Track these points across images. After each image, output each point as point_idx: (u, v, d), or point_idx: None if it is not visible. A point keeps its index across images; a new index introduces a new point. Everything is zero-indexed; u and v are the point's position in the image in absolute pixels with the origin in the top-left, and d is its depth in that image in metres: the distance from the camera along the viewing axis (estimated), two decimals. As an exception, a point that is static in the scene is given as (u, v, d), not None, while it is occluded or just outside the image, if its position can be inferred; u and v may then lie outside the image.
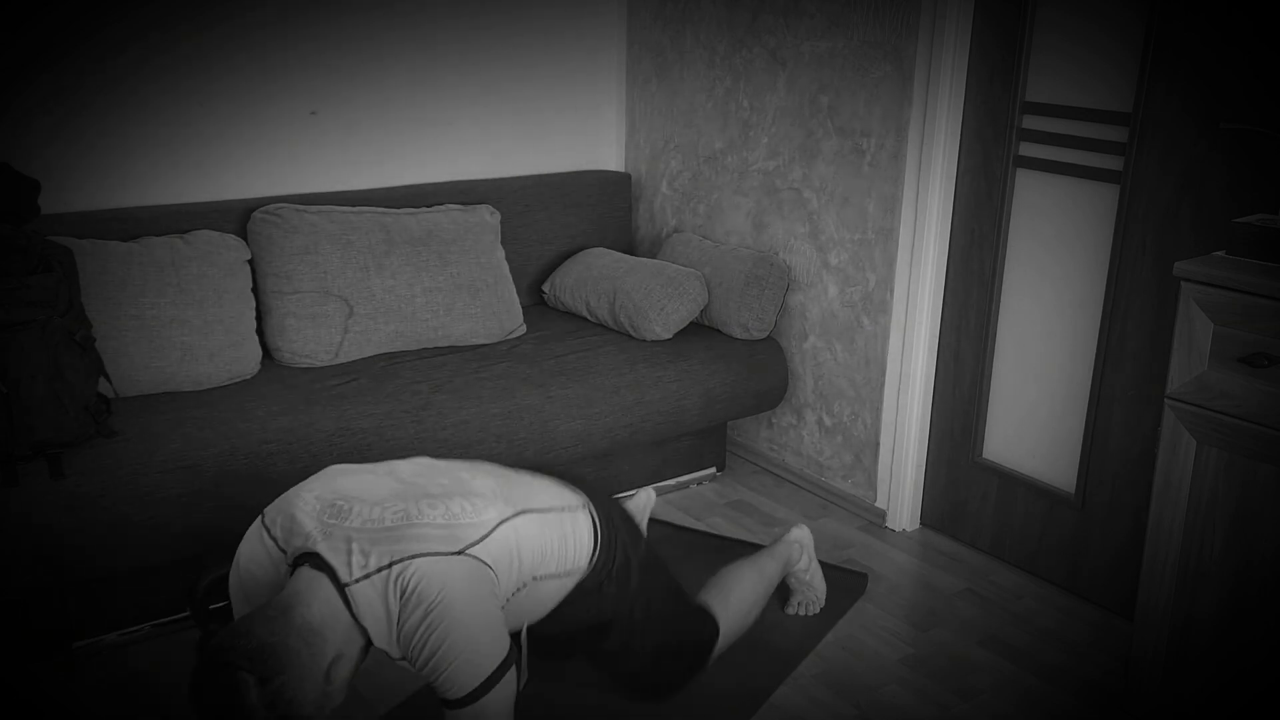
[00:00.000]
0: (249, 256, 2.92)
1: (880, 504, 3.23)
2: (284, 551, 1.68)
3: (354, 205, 3.13)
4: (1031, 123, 2.75)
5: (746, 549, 3.01)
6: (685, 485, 3.45)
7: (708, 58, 3.48)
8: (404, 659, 1.66)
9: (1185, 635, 2.18)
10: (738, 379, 3.24)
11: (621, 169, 3.88)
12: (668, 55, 3.62)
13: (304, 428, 2.58)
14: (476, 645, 1.61)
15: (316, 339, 2.94)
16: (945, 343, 3.04)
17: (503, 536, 1.73)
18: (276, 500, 1.74)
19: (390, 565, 1.60)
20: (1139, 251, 2.57)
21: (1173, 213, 2.50)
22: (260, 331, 2.95)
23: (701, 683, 2.42)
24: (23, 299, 2.26)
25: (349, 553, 1.61)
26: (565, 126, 3.71)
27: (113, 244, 2.73)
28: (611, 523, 2.00)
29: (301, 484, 1.75)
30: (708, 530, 3.17)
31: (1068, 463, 2.83)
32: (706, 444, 3.46)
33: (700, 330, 3.34)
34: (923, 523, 3.21)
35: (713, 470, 3.53)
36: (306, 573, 1.61)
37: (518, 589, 1.79)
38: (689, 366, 3.14)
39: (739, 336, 3.30)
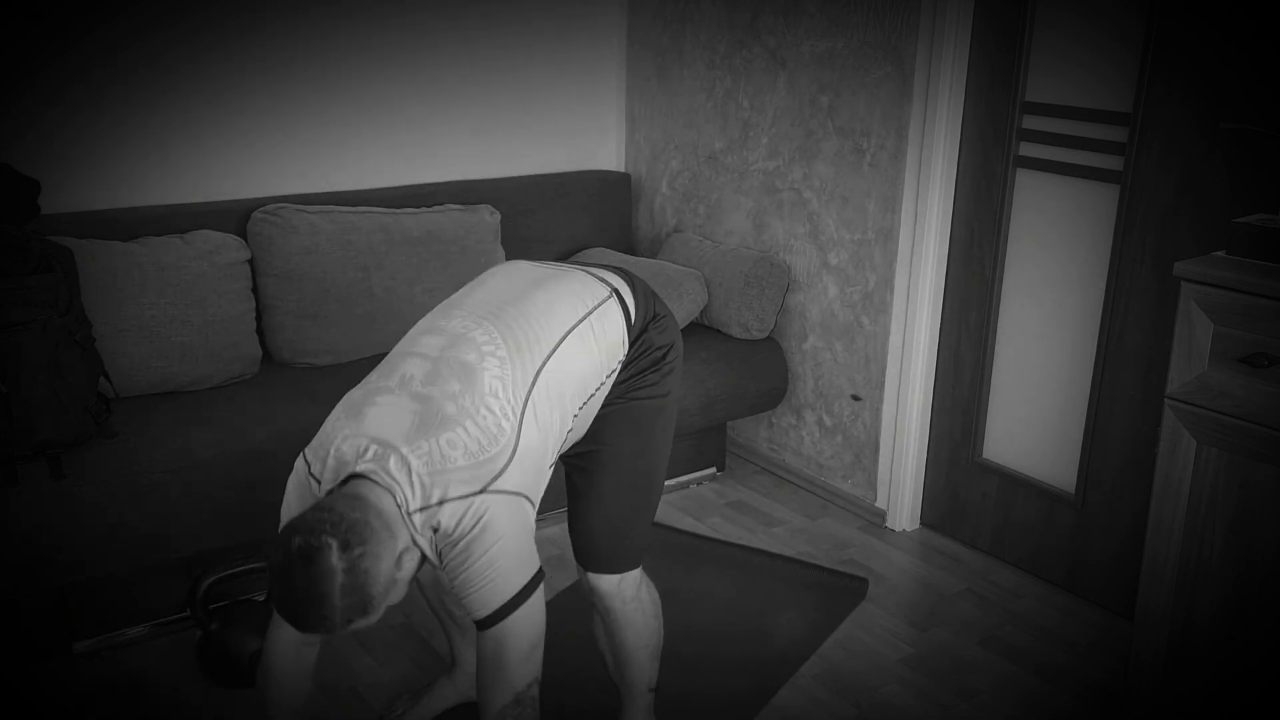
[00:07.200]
0: (249, 256, 2.92)
1: (880, 504, 3.23)
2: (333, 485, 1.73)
3: (354, 205, 3.13)
4: (1031, 123, 2.75)
5: (748, 553, 3.02)
6: (685, 485, 3.45)
7: (708, 58, 3.48)
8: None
9: (1185, 635, 2.18)
10: (738, 379, 3.24)
11: (621, 169, 3.88)
12: (668, 55, 3.62)
13: (304, 428, 2.57)
14: (500, 573, 1.68)
15: (316, 339, 2.94)
16: (945, 343, 3.04)
17: (527, 437, 1.75)
18: (313, 443, 1.77)
19: (424, 509, 1.66)
20: (1139, 251, 2.57)
21: (1173, 213, 2.50)
22: (260, 331, 2.95)
23: (703, 685, 2.43)
24: (23, 299, 2.26)
25: (400, 485, 1.67)
26: (565, 126, 3.71)
27: (113, 244, 2.73)
28: (645, 298, 2.00)
29: (332, 421, 1.77)
30: (711, 535, 3.17)
31: (1068, 463, 2.83)
32: (706, 444, 3.46)
33: (700, 330, 3.34)
34: (923, 523, 3.21)
35: (713, 470, 3.53)
36: (368, 483, 1.66)
37: (564, 434, 1.85)
38: (689, 367, 3.13)
39: (739, 336, 3.30)
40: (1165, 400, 2.11)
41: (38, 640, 2.47)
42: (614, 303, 1.93)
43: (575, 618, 2.68)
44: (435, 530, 1.67)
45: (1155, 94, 2.48)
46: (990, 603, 2.81)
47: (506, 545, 1.69)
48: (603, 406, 1.94)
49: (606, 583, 2.01)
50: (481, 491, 1.68)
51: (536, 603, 1.73)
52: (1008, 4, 2.72)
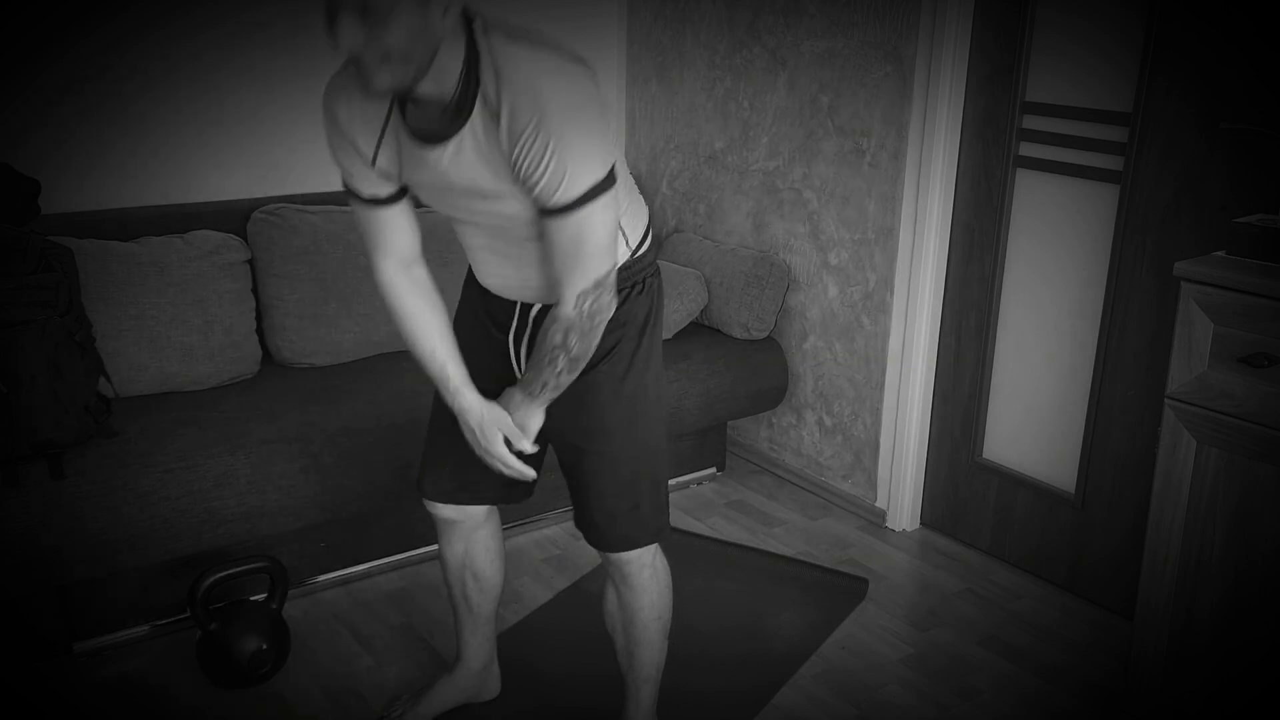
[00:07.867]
0: (249, 256, 2.92)
1: (880, 504, 3.23)
2: None
3: (354, 205, 3.13)
4: (1031, 123, 2.75)
5: (747, 553, 3.02)
6: (685, 485, 3.45)
7: (708, 58, 3.48)
8: (513, 159, 1.61)
9: (1185, 635, 2.18)
10: (738, 379, 3.24)
11: (621, 169, 3.88)
12: (668, 55, 3.62)
13: (304, 428, 2.58)
14: (587, 150, 1.58)
15: (316, 339, 2.94)
16: (945, 343, 3.04)
17: None
18: None
19: (505, 46, 1.60)
20: (1139, 251, 2.57)
21: (1173, 213, 2.50)
22: (260, 331, 2.95)
23: (703, 685, 2.43)
24: (23, 299, 2.26)
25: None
26: (565, 126, 3.71)
27: (113, 244, 2.73)
28: (656, 249, 1.99)
29: None
30: (711, 535, 3.17)
31: (1068, 463, 2.83)
32: (706, 444, 3.46)
33: (700, 330, 3.34)
34: (923, 523, 3.21)
35: (713, 470, 3.53)
36: None
37: None
38: (689, 366, 3.14)
39: (739, 336, 3.30)
40: (1165, 400, 2.11)
41: (38, 640, 2.47)
42: (646, 210, 1.94)
43: (575, 617, 2.68)
44: (510, 78, 1.57)
45: (1155, 94, 2.48)
46: (990, 603, 2.81)
47: (592, 124, 1.58)
48: (594, 373, 1.87)
49: (625, 555, 1.99)
50: (571, 63, 1.60)
51: (615, 195, 1.65)
52: (1008, 4, 2.72)
